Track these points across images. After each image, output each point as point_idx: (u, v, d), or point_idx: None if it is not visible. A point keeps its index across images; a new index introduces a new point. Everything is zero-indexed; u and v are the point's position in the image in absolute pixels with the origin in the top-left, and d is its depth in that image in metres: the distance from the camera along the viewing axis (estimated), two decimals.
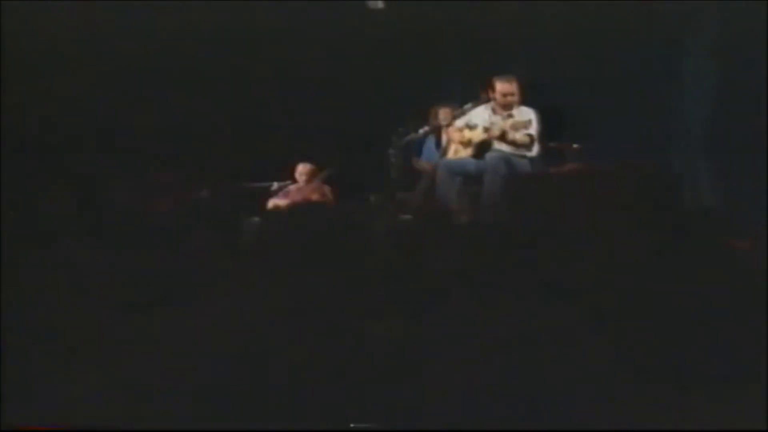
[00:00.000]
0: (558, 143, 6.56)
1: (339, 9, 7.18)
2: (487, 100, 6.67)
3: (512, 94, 6.51)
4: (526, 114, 6.51)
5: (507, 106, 6.55)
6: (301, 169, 7.77)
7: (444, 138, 7.12)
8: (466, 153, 6.67)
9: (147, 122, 7.21)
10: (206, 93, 7.42)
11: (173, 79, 7.30)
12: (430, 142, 7.37)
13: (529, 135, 6.48)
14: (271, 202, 7.63)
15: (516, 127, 6.42)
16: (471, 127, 6.73)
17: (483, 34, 7.25)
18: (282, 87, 7.64)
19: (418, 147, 7.36)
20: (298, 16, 7.16)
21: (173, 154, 7.20)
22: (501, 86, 6.53)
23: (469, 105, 6.75)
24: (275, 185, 7.75)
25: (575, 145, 6.40)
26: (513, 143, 6.47)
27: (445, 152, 6.90)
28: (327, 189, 7.71)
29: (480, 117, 6.70)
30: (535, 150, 6.53)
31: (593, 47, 6.82)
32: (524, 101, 6.59)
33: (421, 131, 6.94)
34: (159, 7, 6.93)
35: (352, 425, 3.52)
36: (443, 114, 7.16)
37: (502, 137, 6.44)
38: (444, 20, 7.22)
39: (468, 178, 6.52)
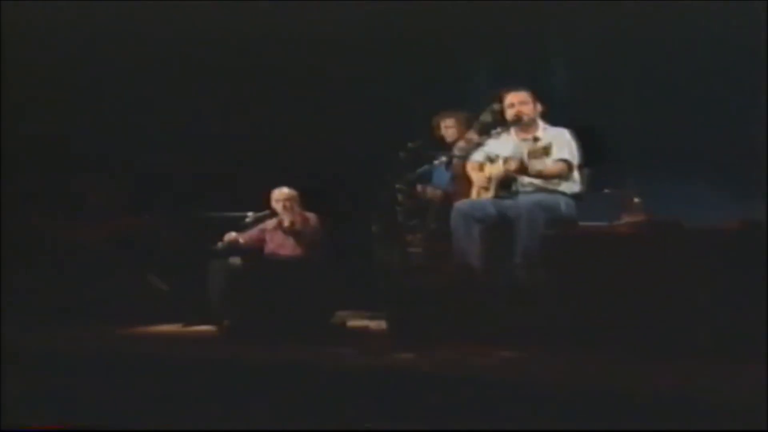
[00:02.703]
0: (613, 189, 5.11)
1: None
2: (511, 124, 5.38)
3: (522, 103, 5.27)
4: (550, 137, 5.15)
5: (522, 124, 5.26)
6: (278, 195, 6.23)
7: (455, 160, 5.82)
8: (488, 195, 5.28)
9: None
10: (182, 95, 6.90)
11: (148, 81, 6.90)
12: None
13: (564, 160, 5.10)
14: (242, 239, 6.17)
15: (534, 155, 5.02)
16: (492, 159, 5.36)
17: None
18: (258, 93, 6.76)
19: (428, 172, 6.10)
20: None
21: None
22: (509, 97, 5.30)
23: (497, 130, 5.36)
24: (250, 216, 6.25)
25: (636, 199, 4.96)
26: (540, 176, 5.09)
27: (464, 186, 5.56)
28: (314, 219, 6.19)
29: (502, 146, 5.33)
30: (576, 182, 5.13)
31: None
32: (556, 122, 5.31)
33: (436, 162, 5.55)
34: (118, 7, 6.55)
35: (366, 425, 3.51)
36: (448, 124, 6.16)
37: (522, 170, 5.07)
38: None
39: (489, 224, 5.07)
